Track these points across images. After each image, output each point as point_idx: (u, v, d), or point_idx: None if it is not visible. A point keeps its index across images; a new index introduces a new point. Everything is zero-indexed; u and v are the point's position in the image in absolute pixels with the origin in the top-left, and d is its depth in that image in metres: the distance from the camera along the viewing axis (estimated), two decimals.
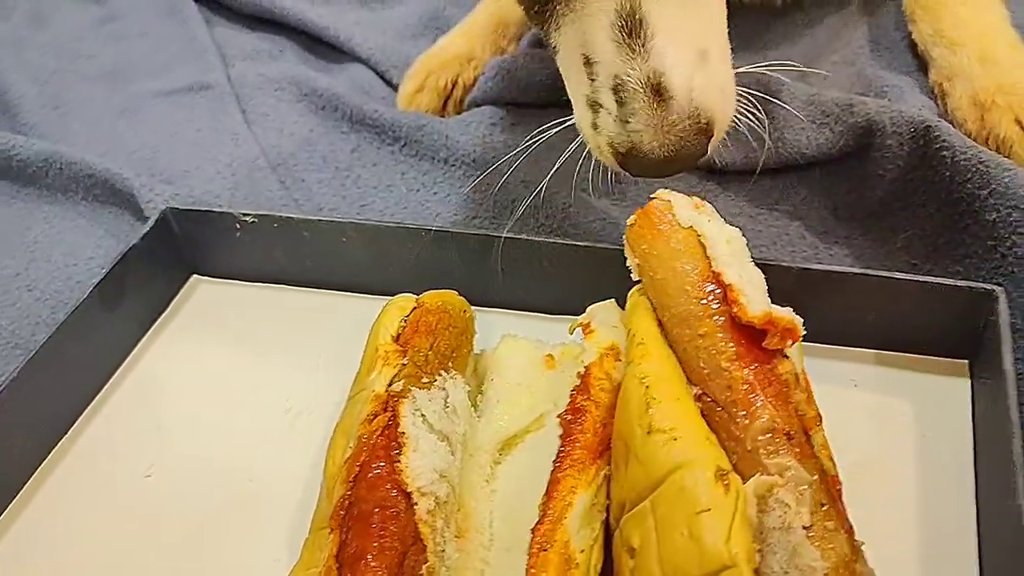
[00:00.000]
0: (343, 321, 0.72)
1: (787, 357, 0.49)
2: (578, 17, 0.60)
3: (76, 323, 0.67)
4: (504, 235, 0.69)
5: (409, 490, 0.47)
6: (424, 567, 0.46)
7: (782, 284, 0.54)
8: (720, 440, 0.46)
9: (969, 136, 0.74)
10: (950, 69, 0.81)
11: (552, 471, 0.48)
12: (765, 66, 0.66)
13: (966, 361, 0.63)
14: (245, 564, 0.57)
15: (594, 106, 0.60)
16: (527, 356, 0.61)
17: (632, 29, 0.57)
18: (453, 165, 0.87)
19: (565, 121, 0.66)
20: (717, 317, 0.50)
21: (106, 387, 0.70)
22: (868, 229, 0.74)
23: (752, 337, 0.49)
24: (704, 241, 0.53)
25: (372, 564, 0.44)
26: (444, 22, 1.13)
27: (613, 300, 0.59)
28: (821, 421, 0.48)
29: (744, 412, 0.46)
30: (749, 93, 0.63)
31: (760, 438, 0.45)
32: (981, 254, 0.66)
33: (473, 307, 0.64)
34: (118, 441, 0.67)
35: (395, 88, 1.02)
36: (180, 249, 0.78)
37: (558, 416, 0.51)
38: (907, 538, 0.54)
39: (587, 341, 0.56)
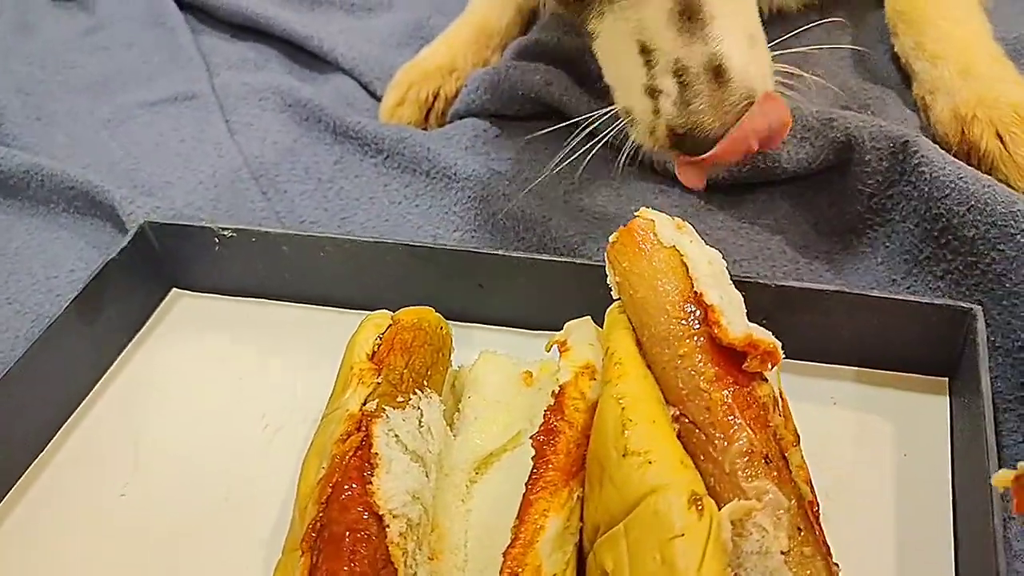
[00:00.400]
0: (323, 335, 0.71)
1: (766, 380, 0.49)
2: (631, 5, 0.62)
3: (52, 337, 0.67)
4: (484, 250, 0.69)
5: (380, 512, 0.46)
6: None
7: (761, 301, 0.54)
8: (697, 462, 0.46)
9: (950, 150, 0.74)
10: (932, 83, 0.81)
11: (524, 493, 0.48)
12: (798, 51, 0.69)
13: (946, 379, 0.63)
14: None
15: (653, 92, 0.62)
16: (505, 373, 0.61)
17: (691, 15, 0.60)
18: (434, 178, 0.87)
19: (606, 114, 0.69)
20: (697, 338, 0.49)
21: (84, 402, 0.70)
22: (848, 244, 0.73)
23: (731, 359, 0.48)
24: (686, 261, 0.52)
25: None
26: (429, 31, 1.12)
27: (589, 317, 0.59)
28: (799, 441, 0.48)
29: (722, 434, 0.46)
30: None
31: (738, 461, 0.45)
32: (961, 270, 0.66)
33: (452, 322, 0.64)
34: (95, 457, 0.66)
35: (379, 99, 1.02)
36: (159, 263, 0.77)
37: (531, 437, 0.50)
38: (885, 558, 0.53)
39: (563, 359, 0.55)
